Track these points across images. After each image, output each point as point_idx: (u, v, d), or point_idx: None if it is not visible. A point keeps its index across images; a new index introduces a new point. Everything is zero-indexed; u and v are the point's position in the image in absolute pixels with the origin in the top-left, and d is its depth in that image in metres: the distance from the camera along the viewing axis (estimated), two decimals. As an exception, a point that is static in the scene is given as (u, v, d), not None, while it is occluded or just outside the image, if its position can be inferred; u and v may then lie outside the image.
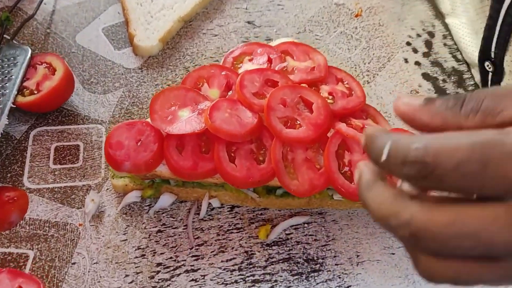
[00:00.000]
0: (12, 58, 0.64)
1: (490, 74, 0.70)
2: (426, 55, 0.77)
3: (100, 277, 0.53)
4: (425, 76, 0.75)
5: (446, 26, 0.82)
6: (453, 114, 0.31)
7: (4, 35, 0.70)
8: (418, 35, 0.80)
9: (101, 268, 0.54)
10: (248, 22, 0.79)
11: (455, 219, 0.28)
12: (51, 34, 0.73)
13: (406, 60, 0.77)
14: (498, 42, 0.66)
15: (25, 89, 0.61)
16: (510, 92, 0.30)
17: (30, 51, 0.64)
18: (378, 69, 0.75)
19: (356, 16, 0.82)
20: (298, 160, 0.55)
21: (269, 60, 0.64)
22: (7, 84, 0.61)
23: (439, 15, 0.83)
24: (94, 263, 0.54)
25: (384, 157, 0.30)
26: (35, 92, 0.61)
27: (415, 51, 0.78)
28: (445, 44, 0.79)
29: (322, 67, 0.63)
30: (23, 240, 0.55)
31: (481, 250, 0.28)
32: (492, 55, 0.67)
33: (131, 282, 0.53)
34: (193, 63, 0.72)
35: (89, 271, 0.54)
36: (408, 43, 0.79)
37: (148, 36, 0.72)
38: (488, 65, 0.69)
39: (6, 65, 0.64)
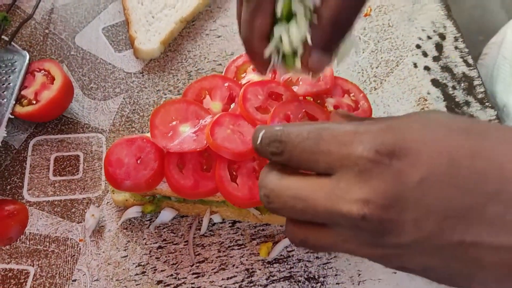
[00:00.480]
0: (9, 64, 0.63)
1: None
2: (436, 59, 0.75)
3: (101, 295, 0.53)
4: (434, 82, 0.73)
5: (457, 27, 0.79)
6: None
7: (2, 36, 0.68)
8: (429, 37, 0.77)
9: (102, 286, 0.54)
10: (253, 22, 0.76)
11: (294, 185, 0.35)
12: (49, 35, 0.71)
13: (415, 65, 0.74)
14: None
15: (23, 98, 0.60)
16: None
17: (28, 57, 0.63)
18: (386, 74, 0.73)
19: (365, 15, 0.79)
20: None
21: (274, 70, 0.62)
22: (4, 93, 0.60)
23: (451, 14, 0.80)
24: (95, 280, 0.54)
25: (258, 141, 0.38)
26: (33, 102, 0.59)
27: (425, 54, 0.75)
28: (456, 48, 0.76)
29: (328, 78, 0.61)
30: (24, 256, 0.55)
31: (311, 213, 0.34)
32: None
33: (131, 300, 0.53)
34: (196, 67, 0.70)
35: (89, 289, 0.53)
36: (418, 46, 0.76)
37: (149, 39, 0.70)
38: None
39: (3, 71, 0.62)
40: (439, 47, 0.76)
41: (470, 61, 0.75)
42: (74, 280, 0.54)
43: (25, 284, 0.53)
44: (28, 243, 0.55)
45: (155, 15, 0.72)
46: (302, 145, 0.35)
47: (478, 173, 0.31)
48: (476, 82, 0.73)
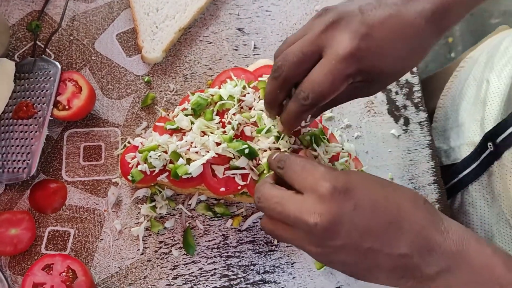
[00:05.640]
0: (45, 73, 0.81)
1: (488, 151, 0.78)
2: (386, 66, 0.92)
3: (120, 250, 0.77)
4: (381, 87, 0.91)
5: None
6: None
7: (37, 42, 0.86)
8: (383, 46, 0.94)
9: (121, 244, 0.77)
10: (239, 29, 0.93)
11: (278, 194, 0.53)
12: (73, 41, 0.88)
13: (368, 71, 0.92)
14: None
15: (58, 104, 0.79)
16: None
17: (60, 68, 0.81)
18: (343, 79, 0.90)
19: (333, 24, 0.95)
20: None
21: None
22: (44, 98, 0.79)
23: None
24: (116, 240, 0.77)
25: (273, 158, 0.59)
26: (67, 107, 0.79)
27: (377, 62, 0.92)
28: (404, 56, 0.93)
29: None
30: (65, 221, 0.77)
31: (283, 216, 0.52)
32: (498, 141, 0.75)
33: (142, 254, 0.77)
34: (191, 71, 0.88)
35: (112, 246, 0.77)
36: (373, 54, 0.93)
37: (153, 48, 0.87)
38: (490, 145, 0.77)
39: (41, 79, 0.81)
40: (390, 55, 0.93)
41: (414, 69, 0.93)
42: (102, 239, 0.77)
43: (68, 241, 0.76)
44: (68, 212, 0.78)
45: (158, 25, 0.89)
46: (293, 168, 0.54)
47: (386, 209, 0.52)
48: (415, 88, 0.91)
